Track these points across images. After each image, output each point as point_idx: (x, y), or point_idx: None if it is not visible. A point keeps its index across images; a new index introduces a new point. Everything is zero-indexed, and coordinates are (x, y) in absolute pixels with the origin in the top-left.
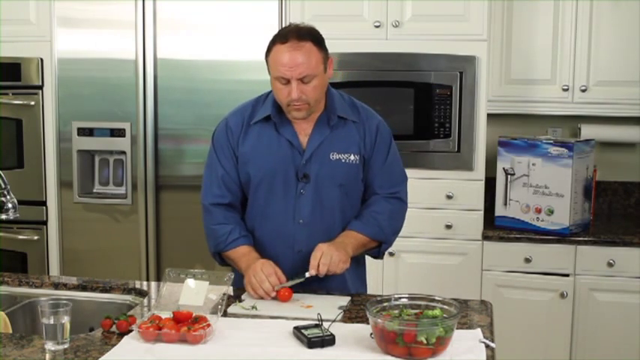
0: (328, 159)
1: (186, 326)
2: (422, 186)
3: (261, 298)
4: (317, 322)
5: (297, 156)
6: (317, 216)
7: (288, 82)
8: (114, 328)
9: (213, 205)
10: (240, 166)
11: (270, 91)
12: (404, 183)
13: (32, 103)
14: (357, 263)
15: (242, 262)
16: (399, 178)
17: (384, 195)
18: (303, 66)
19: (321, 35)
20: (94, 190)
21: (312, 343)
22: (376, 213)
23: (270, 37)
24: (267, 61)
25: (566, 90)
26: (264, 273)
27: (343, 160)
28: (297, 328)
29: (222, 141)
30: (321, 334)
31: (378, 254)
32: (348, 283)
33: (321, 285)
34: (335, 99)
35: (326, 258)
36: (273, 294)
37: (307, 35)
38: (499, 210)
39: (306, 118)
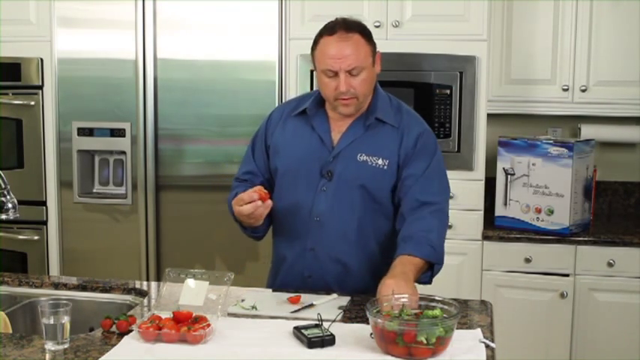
0: (355, 159)
1: (186, 326)
2: None
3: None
4: (317, 322)
5: (326, 152)
6: (334, 215)
7: (335, 74)
8: (114, 328)
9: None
10: (272, 156)
11: (318, 90)
12: (445, 194)
13: (32, 103)
14: None
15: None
16: (440, 189)
17: (425, 205)
18: (351, 57)
19: (368, 29)
20: (94, 190)
21: (312, 343)
22: (426, 232)
23: (270, 37)
24: (312, 55)
25: (566, 90)
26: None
27: (370, 163)
28: (297, 328)
29: (260, 133)
30: (321, 334)
31: (429, 279)
32: None
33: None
34: (379, 100)
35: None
36: (256, 195)
37: (356, 27)
38: (499, 210)
39: (354, 114)
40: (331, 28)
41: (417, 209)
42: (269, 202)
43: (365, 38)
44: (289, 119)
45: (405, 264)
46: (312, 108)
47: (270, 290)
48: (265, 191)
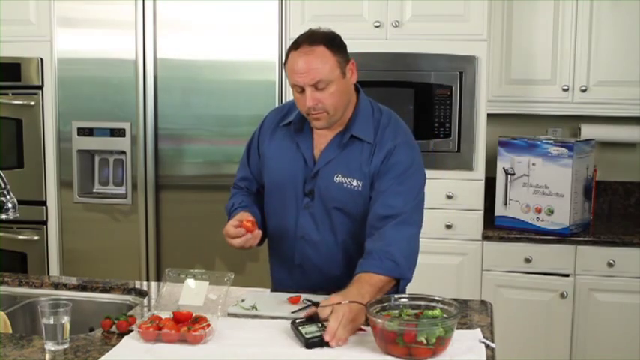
0: (332, 181)
1: (186, 326)
2: None
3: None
4: (310, 305)
5: (308, 170)
6: (318, 234)
7: (303, 90)
8: (114, 328)
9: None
10: (261, 166)
11: None
12: (410, 204)
13: (32, 103)
14: None
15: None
16: (405, 200)
17: (387, 219)
18: (314, 71)
19: (338, 38)
20: (94, 190)
21: (311, 344)
22: (386, 245)
23: (270, 37)
24: (285, 71)
25: (566, 90)
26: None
27: (345, 185)
28: (294, 324)
29: (254, 139)
30: (320, 334)
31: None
32: None
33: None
34: (359, 114)
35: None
36: (243, 230)
37: (320, 40)
38: (499, 210)
39: (329, 128)
40: (296, 43)
41: (378, 224)
42: (257, 232)
43: (331, 50)
44: (278, 129)
45: (363, 284)
46: (296, 122)
47: (270, 290)
48: (251, 220)
